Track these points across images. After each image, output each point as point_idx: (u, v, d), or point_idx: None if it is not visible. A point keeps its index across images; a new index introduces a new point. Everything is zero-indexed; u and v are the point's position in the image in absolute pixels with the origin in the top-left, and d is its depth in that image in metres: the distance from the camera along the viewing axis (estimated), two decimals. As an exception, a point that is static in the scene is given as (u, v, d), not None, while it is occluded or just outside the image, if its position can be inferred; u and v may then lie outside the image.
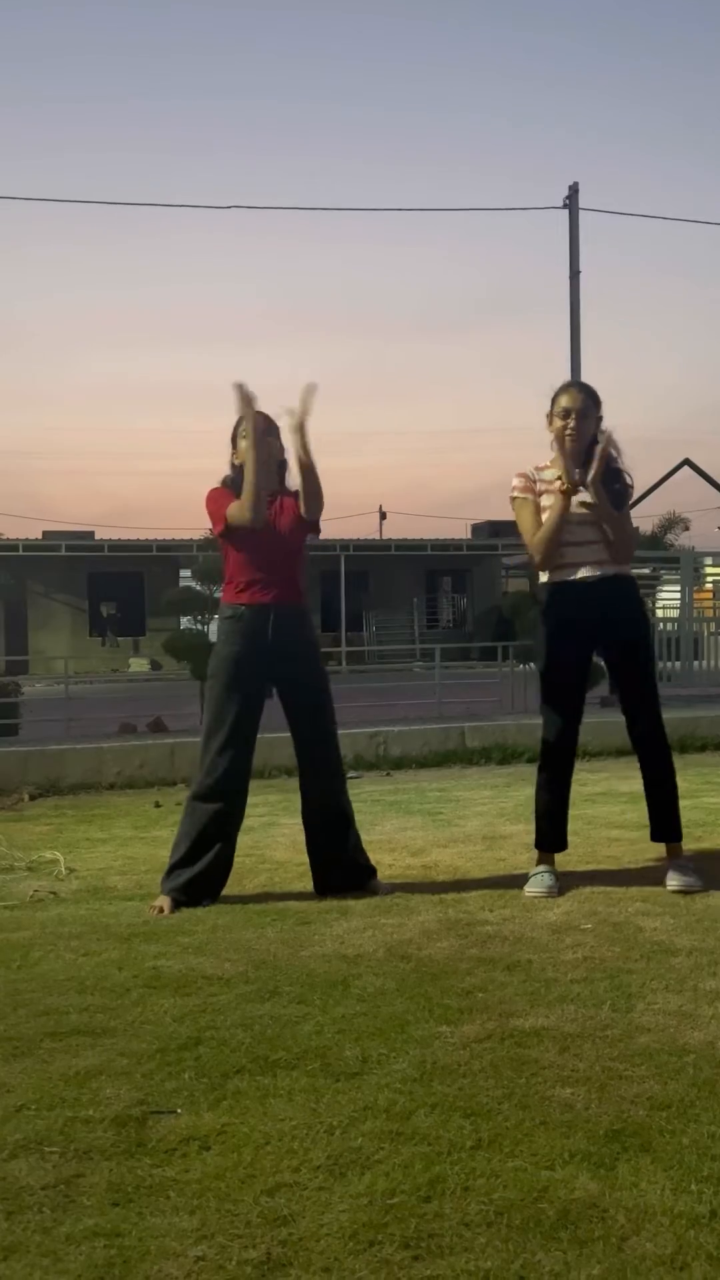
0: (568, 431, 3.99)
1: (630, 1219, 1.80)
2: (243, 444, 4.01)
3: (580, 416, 3.99)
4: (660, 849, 4.16)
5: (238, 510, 3.97)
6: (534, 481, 4.06)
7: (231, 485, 4.07)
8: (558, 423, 4.01)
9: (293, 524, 4.05)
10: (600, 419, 4.06)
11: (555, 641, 4.07)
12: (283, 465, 4.14)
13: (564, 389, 4.08)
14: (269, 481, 4.02)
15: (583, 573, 4.00)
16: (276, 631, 4.00)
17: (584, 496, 3.97)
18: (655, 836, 4.11)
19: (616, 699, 4.24)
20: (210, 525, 4.14)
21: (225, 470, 4.14)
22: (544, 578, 4.11)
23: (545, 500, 4.02)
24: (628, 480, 4.06)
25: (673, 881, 3.90)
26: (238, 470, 4.07)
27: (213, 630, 11.52)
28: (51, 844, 5.22)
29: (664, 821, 4.07)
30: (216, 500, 4.05)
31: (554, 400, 4.05)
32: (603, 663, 4.25)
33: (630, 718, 4.07)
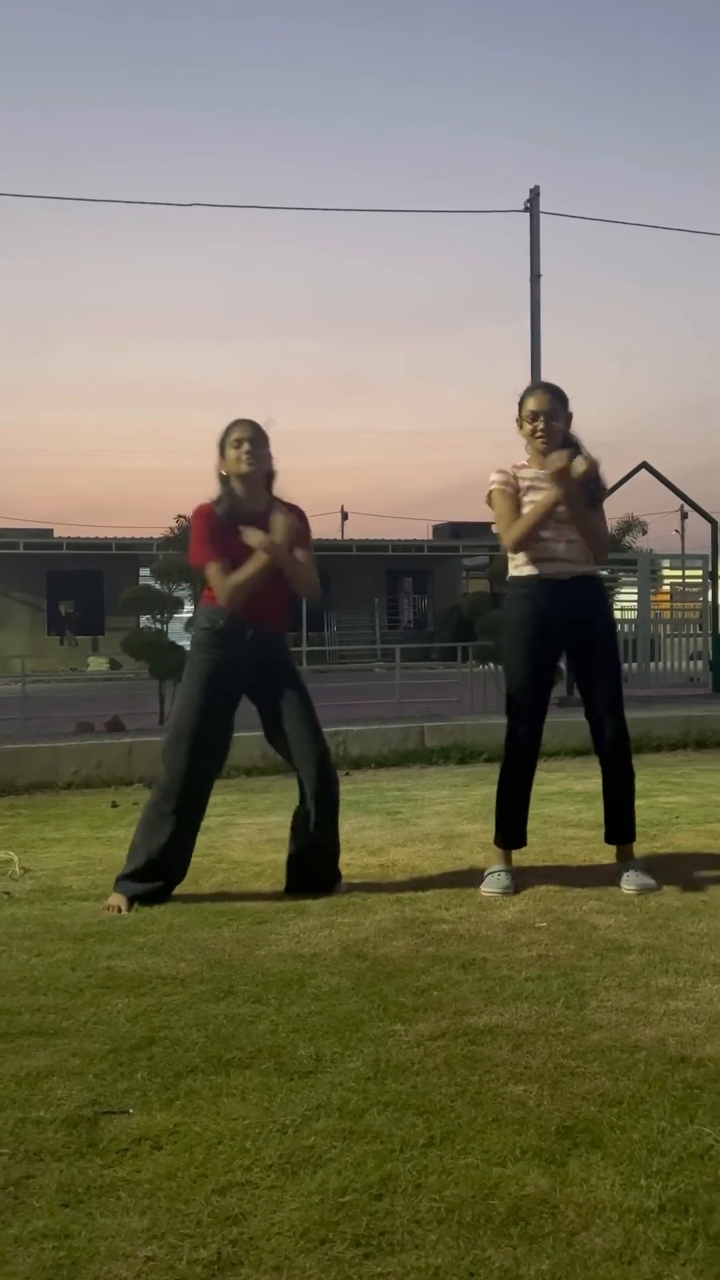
0: (538, 435, 3.99)
1: (580, 1214, 1.81)
2: (238, 463, 3.89)
3: (549, 418, 3.99)
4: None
5: (217, 585, 3.88)
6: (513, 478, 4.03)
7: (219, 502, 3.94)
8: (527, 426, 4.02)
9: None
10: (570, 416, 4.07)
11: (522, 639, 4.04)
12: (270, 476, 4.03)
13: (530, 392, 4.07)
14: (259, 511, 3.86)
15: (554, 570, 3.99)
16: (255, 646, 3.93)
17: (577, 466, 3.92)
18: (610, 838, 4.14)
19: (575, 698, 4.24)
20: (189, 549, 4.01)
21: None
22: (514, 569, 4.09)
23: (529, 497, 3.99)
24: (601, 477, 4.06)
25: (628, 885, 3.93)
26: (224, 482, 3.96)
27: (171, 629, 11.46)
28: (6, 844, 5.18)
29: (621, 824, 4.09)
30: (202, 530, 3.92)
31: (521, 403, 4.05)
32: (562, 664, 4.25)
33: (595, 721, 4.06)
